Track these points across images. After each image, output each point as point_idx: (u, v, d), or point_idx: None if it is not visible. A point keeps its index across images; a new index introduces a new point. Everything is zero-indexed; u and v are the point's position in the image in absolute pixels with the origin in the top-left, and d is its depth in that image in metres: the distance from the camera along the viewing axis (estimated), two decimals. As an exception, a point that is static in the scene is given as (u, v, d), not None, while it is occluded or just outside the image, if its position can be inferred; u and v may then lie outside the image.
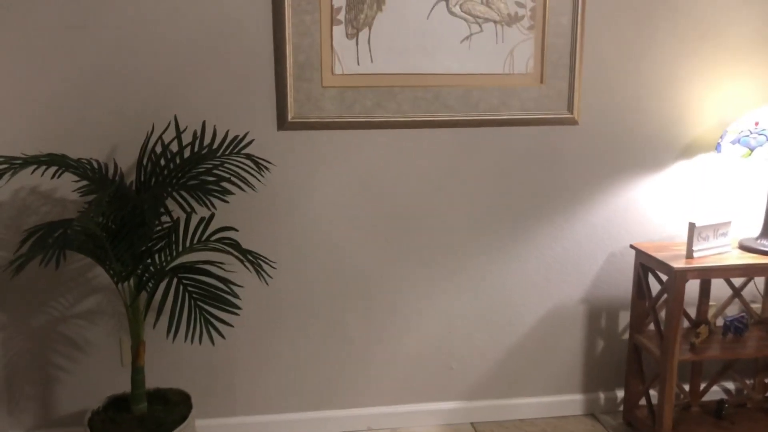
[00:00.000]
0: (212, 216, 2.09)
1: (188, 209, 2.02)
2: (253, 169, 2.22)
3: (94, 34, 2.26)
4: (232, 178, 2.08)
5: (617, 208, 2.66)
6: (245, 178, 2.17)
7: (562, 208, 2.64)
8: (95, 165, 2.20)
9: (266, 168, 2.24)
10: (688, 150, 2.65)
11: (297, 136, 2.44)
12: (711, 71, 2.60)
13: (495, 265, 2.64)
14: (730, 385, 2.88)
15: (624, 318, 2.76)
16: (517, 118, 2.54)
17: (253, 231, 2.45)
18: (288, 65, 2.39)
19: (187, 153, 2.20)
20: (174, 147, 2.23)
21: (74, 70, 2.28)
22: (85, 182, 2.09)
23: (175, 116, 2.24)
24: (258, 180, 2.23)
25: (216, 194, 2.01)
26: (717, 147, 2.52)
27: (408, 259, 2.59)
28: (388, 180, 2.52)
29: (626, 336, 2.76)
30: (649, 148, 2.63)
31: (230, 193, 2.07)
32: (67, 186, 2.33)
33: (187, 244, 2.11)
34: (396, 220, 2.55)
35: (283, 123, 2.42)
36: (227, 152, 2.22)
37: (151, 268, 2.03)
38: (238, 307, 1.95)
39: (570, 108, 2.57)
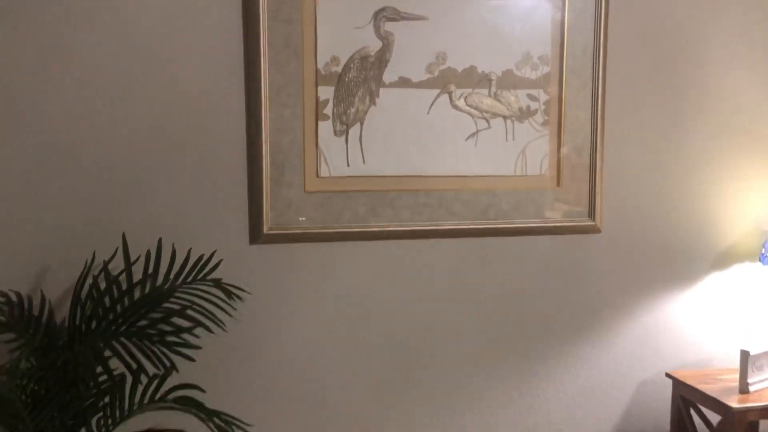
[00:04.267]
0: (168, 372, 1.61)
1: (135, 366, 1.53)
2: (221, 299, 1.76)
3: (17, 128, 1.80)
4: (200, 320, 1.63)
5: (646, 328, 2.30)
6: (214, 315, 1.71)
7: (585, 330, 2.26)
8: (14, 298, 1.72)
9: (238, 297, 1.79)
10: (723, 260, 2.32)
11: (274, 251, 2.01)
12: (745, 170, 2.32)
13: (509, 403, 2.21)
14: None
15: (658, 457, 2.35)
16: (531, 226, 2.18)
17: (215, 373, 1.95)
18: (264, 167, 1.98)
19: (138, 286, 1.72)
20: (123, 274, 1.76)
21: (-7, 175, 1.81)
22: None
23: (124, 236, 1.75)
24: (228, 313, 1.77)
25: (178, 349, 1.54)
26: (762, 258, 2.20)
27: (407, 399, 2.14)
28: (384, 302, 2.10)
29: (662, 479, 2.35)
30: (679, 258, 2.30)
31: (197, 347, 1.60)
32: (-22, 321, 1.81)
33: (135, 406, 1.61)
34: (393, 350, 2.12)
35: (257, 236, 1.99)
36: (189, 279, 1.76)
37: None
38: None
39: (591, 214, 2.22)
